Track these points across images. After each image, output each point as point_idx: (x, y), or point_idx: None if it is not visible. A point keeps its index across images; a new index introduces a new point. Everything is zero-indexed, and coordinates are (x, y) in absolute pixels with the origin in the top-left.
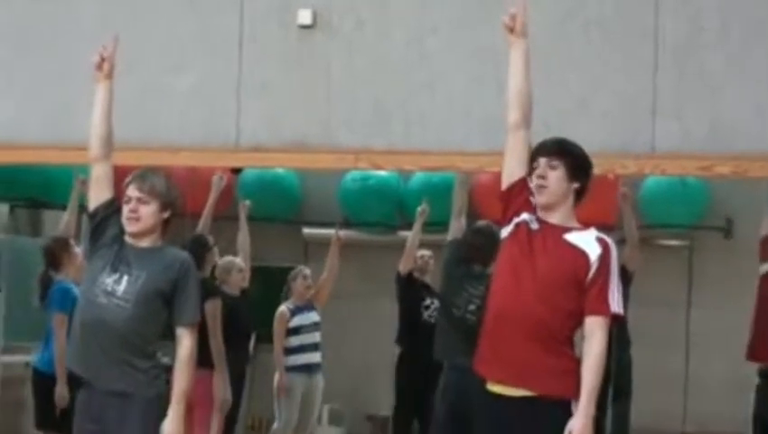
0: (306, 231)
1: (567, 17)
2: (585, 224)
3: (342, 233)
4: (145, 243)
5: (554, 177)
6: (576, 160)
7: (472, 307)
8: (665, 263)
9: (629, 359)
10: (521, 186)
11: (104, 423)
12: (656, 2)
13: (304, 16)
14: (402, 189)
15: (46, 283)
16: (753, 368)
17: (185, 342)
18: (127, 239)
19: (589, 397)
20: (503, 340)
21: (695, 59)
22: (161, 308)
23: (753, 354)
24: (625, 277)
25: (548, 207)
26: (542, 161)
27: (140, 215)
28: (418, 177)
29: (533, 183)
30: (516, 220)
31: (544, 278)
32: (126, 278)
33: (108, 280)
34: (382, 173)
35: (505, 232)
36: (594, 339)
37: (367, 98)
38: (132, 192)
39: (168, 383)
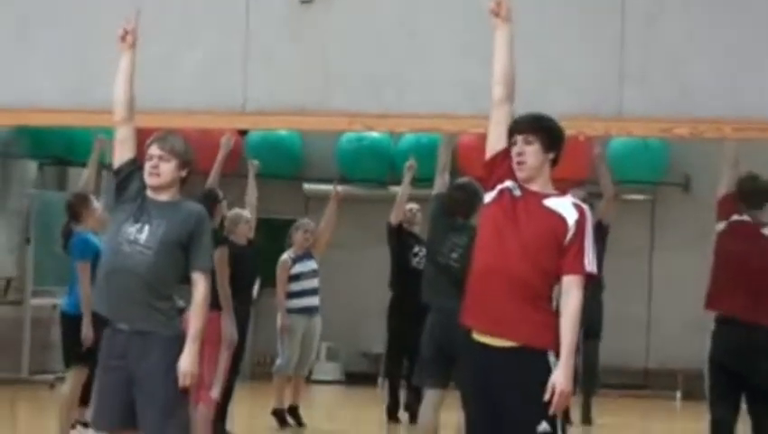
0: (306, 186)
1: None
2: (560, 179)
3: (339, 188)
4: (164, 197)
5: (531, 152)
6: (549, 133)
7: (455, 255)
8: (629, 216)
9: (600, 303)
10: (504, 156)
11: (127, 359)
12: None
13: None
14: (393, 149)
15: (68, 234)
16: (711, 313)
17: (200, 286)
18: (149, 193)
19: (569, 352)
20: (488, 295)
21: (659, 29)
22: (179, 255)
23: (710, 304)
24: (601, 230)
25: (528, 179)
26: (519, 138)
27: (160, 171)
28: (407, 138)
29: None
30: (499, 186)
31: (526, 240)
32: (147, 228)
33: (131, 230)
34: (375, 134)
35: (488, 198)
36: (570, 297)
37: (361, 66)
38: (154, 150)
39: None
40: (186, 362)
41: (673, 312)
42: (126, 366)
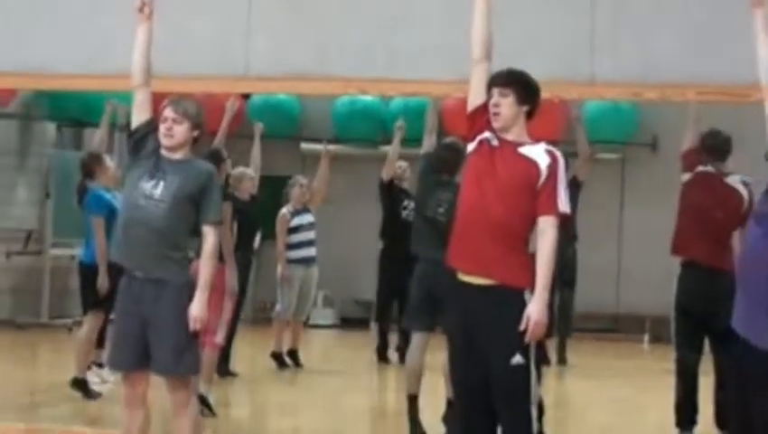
0: (304, 145)
1: None
2: (537, 140)
3: (334, 148)
4: (177, 156)
5: (506, 104)
6: (523, 86)
7: (441, 210)
8: (601, 173)
9: (574, 253)
10: (483, 110)
11: (142, 304)
12: None
13: None
14: (384, 111)
15: (83, 190)
16: (676, 261)
17: (210, 238)
18: (163, 152)
19: (544, 286)
20: (470, 237)
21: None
22: (190, 209)
23: (675, 249)
24: (576, 185)
25: (504, 129)
26: (495, 91)
27: (174, 133)
28: (397, 101)
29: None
30: (479, 137)
31: (503, 184)
32: (162, 183)
33: (147, 186)
34: (367, 97)
35: (470, 148)
36: (546, 236)
37: (356, 35)
38: (168, 113)
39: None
40: (197, 308)
41: (642, 262)
42: (141, 311)
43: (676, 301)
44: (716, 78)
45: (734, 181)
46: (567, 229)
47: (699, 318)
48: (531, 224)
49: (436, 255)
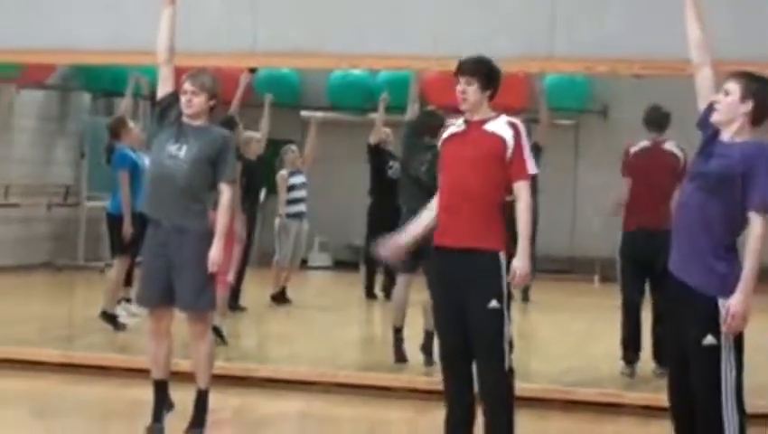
0: (303, 113)
1: None
2: (503, 108)
3: (329, 115)
4: (197, 123)
5: (471, 91)
6: (486, 74)
7: (423, 169)
8: (558, 137)
9: (536, 206)
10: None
11: (167, 248)
12: None
13: None
14: (372, 83)
15: (110, 149)
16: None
17: (225, 193)
18: (184, 119)
19: (527, 241)
20: (450, 208)
21: None
22: (208, 168)
23: (625, 225)
24: (538, 149)
25: (471, 111)
26: (462, 79)
27: (193, 103)
28: (383, 74)
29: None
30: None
31: (475, 159)
32: (185, 147)
33: (172, 148)
34: (357, 71)
35: (445, 134)
36: (522, 199)
37: (348, 16)
38: (188, 86)
39: None
40: (215, 253)
41: (592, 214)
42: (166, 254)
43: (620, 251)
44: (660, 53)
45: (670, 146)
46: (534, 187)
47: (641, 265)
48: (504, 191)
49: (419, 208)
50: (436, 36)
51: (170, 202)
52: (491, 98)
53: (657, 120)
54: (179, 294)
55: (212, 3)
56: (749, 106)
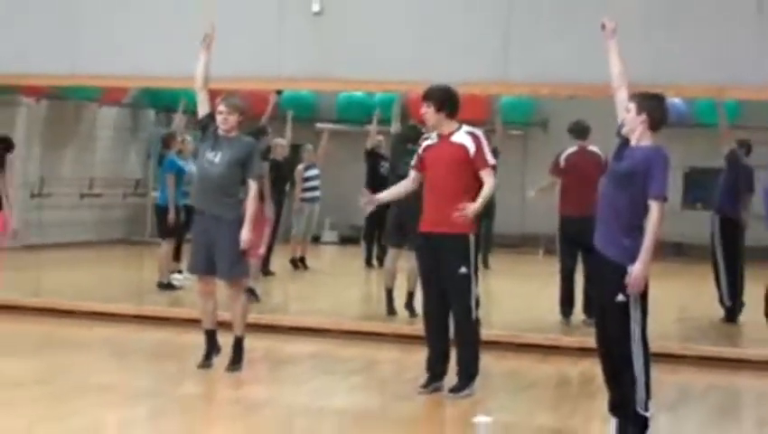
0: (317, 124)
1: None
2: (468, 121)
3: (337, 126)
4: (230, 135)
5: (429, 112)
6: (439, 99)
7: (406, 168)
8: (510, 144)
9: (493, 196)
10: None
11: (209, 233)
12: None
13: (315, 5)
14: (370, 102)
15: (162, 156)
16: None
17: (253, 187)
18: (220, 132)
19: (484, 198)
20: (431, 202)
21: (524, 20)
22: (238, 169)
23: (561, 209)
24: (496, 153)
25: (434, 128)
26: (424, 104)
27: (228, 120)
28: (378, 95)
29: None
30: (424, 144)
31: (448, 164)
32: (219, 153)
33: (210, 155)
34: (359, 92)
35: (423, 145)
36: (487, 184)
37: (351, 50)
38: (222, 108)
39: None
40: (245, 233)
41: (538, 203)
42: (208, 237)
43: (559, 231)
44: (589, 79)
45: (593, 148)
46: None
47: (574, 241)
48: (471, 184)
49: (405, 198)
50: (419, 65)
51: (210, 196)
52: (450, 115)
53: (579, 130)
54: (218, 266)
55: (246, 40)
56: (644, 117)
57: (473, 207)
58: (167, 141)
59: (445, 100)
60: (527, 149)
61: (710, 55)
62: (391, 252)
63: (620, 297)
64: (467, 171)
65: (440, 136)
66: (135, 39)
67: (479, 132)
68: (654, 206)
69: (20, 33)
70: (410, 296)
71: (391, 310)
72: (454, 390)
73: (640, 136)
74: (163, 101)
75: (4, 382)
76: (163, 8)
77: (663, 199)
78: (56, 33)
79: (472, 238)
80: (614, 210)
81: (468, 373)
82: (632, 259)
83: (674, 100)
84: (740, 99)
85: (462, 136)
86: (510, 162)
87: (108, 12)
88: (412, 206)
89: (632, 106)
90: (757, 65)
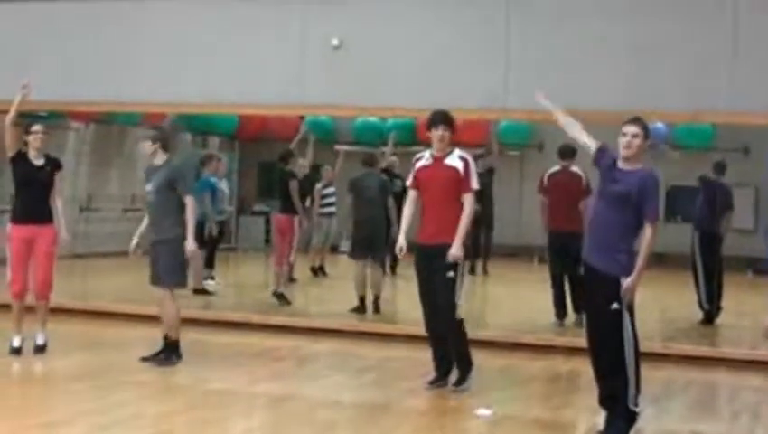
0: (336, 146)
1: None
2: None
3: (353, 148)
4: (158, 163)
5: (447, 136)
6: (452, 123)
7: None
8: (509, 164)
9: (492, 210)
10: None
11: (155, 250)
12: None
13: (335, 41)
14: (383, 126)
15: (198, 175)
16: None
17: (189, 203)
18: (154, 163)
19: (462, 236)
20: (430, 219)
21: (526, 50)
22: (170, 192)
23: (548, 225)
24: (492, 171)
25: (442, 151)
26: (440, 127)
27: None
28: (391, 120)
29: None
30: (419, 163)
31: (441, 184)
32: (152, 183)
33: (148, 186)
34: (373, 118)
35: (418, 165)
36: (466, 209)
37: (365, 82)
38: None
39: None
40: (189, 243)
41: (532, 214)
42: (155, 251)
43: (548, 244)
44: (580, 106)
45: (576, 169)
46: (489, 197)
47: (561, 251)
48: (459, 201)
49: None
50: (424, 94)
51: (151, 222)
52: (452, 139)
53: (566, 152)
54: (160, 277)
55: (274, 71)
56: (645, 142)
57: (458, 244)
58: (204, 162)
59: (454, 123)
60: (523, 169)
61: (687, 83)
62: (359, 264)
63: (614, 306)
64: (457, 188)
65: (434, 158)
66: (172, 68)
67: (469, 156)
68: (649, 228)
69: (67, 63)
70: (377, 298)
71: (362, 310)
72: (456, 383)
73: (636, 159)
74: (198, 125)
75: (57, 377)
76: (198, 45)
77: (657, 220)
78: (101, 64)
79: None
80: (609, 228)
81: (463, 366)
82: (627, 272)
83: (657, 124)
84: (714, 123)
85: (455, 160)
86: (508, 180)
87: (148, 45)
88: (378, 223)
89: (638, 131)
90: (729, 93)
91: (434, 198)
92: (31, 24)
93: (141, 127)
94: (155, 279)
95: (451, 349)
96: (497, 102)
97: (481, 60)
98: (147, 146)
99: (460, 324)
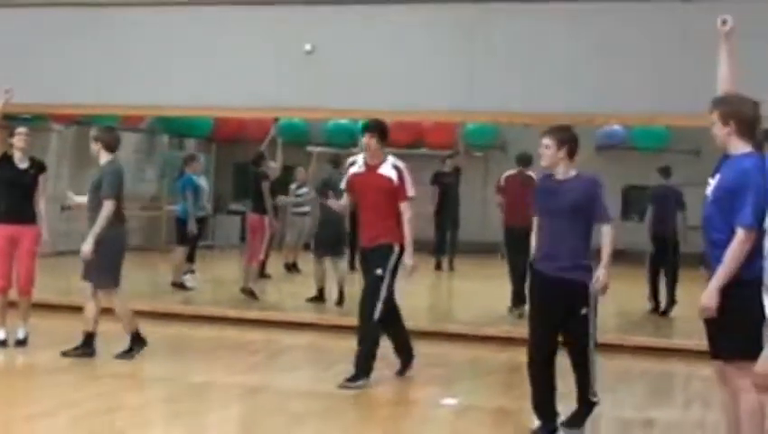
0: (308, 148)
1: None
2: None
3: (326, 149)
4: (101, 164)
5: (373, 143)
6: (382, 130)
7: None
8: (474, 165)
9: (457, 208)
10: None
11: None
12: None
13: (307, 46)
14: (354, 128)
15: (181, 174)
16: None
17: (106, 206)
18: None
19: (409, 242)
20: (367, 224)
21: (490, 57)
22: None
23: (506, 223)
24: (458, 170)
25: (374, 157)
26: (366, 134)
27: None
28: (362, 122)
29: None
30: (351, 169)
31: (375, 192)
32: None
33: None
34: (344, 120)
35: (351, 171)
36: (405, 217)
37: (338, 85)
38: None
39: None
40: (85, 246)
41: (494, 212)
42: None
43: (504, 239)
44: (542, 109)
45: (529, 173)
46: (455, 196)
47: (517, 245)
48: (395, 207)
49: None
50: (396, 96)
51: (88, 220)
52: (383, 146)
53: (523, 159)
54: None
55: (248, 76)
56: (565, 150)
57: (409, 254)
58: (187, 161)
59: (384, 132)
60: (488, 169)
61: (645, 87)
62: (318, 261)
63: (583, 310)
64: (393, 197)
65: (367, 166)
66: (152, 72)
67: (402, 165)
68: (607, 228)
69: (51, 67)
70: (320, 292)
71: (321, 299)
72: (350, 379)
73: (566, 166)
74: (175, 127)
75: (39, 370)
76: (179, 48)
77: (611, 220)
78: (84, 67)
79: (396, 249)
80: (569, 240)
81: (361, 368)
82: (590, 275)
83: (614, 127)
84: (670, 125)
85: (387, 169)
86: (473, 180)
87: (128, 48)
88: (341, 223)
89: (549, 142)
90: (684, 96)
91: (368, 205)
92: (20, 30)
93: (121, 128)
94: (86, 275)
95: (358, 348)
96: (463, 105)
97: (449, 64)
98: (92, 146)
99: (375, 327)
